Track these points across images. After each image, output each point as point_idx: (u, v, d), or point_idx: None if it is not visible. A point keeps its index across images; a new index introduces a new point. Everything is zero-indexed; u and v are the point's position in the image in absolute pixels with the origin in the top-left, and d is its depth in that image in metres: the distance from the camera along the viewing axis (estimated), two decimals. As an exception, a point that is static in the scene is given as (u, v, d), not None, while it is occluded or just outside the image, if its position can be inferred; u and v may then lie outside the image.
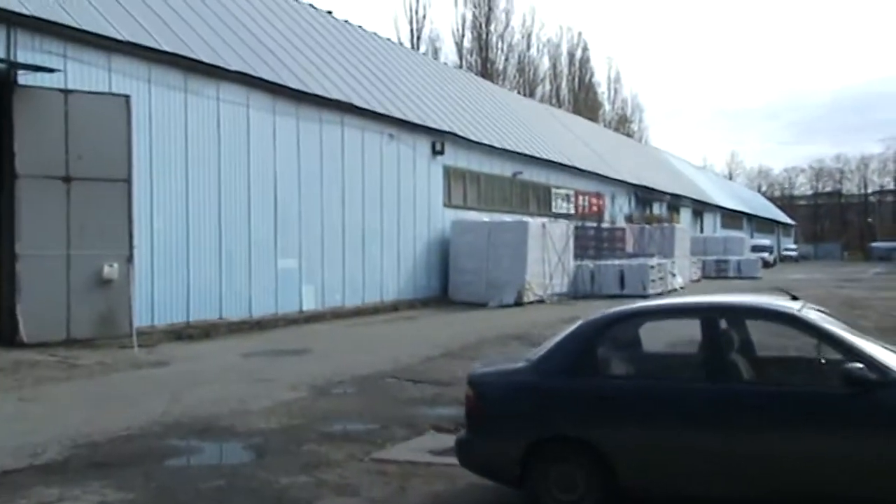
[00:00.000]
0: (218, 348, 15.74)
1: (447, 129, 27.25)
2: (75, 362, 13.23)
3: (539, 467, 5.72)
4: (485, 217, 27.57)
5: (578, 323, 6.33)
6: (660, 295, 29.42)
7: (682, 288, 33.46)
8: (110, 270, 14.98)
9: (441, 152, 26.76)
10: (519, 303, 25.26)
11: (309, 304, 20.87)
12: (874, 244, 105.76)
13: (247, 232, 18.99)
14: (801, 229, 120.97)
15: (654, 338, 6.62)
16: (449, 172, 27.63)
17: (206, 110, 17.94)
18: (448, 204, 27.49)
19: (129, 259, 15.22)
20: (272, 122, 19.79)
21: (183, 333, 16.71)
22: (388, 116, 24.08)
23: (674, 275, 32.58)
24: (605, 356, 6.12)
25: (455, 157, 27.90)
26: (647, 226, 37.98)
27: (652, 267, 29.46)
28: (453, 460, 7.78)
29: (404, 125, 25.02)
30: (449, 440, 8.67)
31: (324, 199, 21.59)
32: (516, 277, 25.56)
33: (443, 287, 26.56)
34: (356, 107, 22.66)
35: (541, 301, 26.21)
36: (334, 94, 21.99)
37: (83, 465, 7.55)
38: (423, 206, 26.12)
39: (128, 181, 15.21)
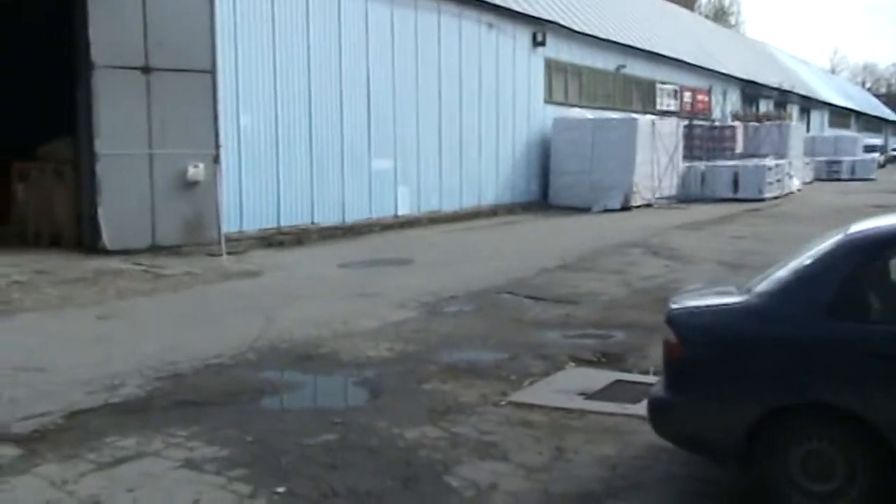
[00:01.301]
0: (311, 257, 14.49)
1: (548, 17, 24.98)
2: (160, 272, 12.11)
3: (777, 444, 4.13)
4: (588, 114, 25.47)
5: (833, 241, 4.49)
6: (776, 199, 27.18)
7: (798, 191, 30.96)
8: (195, 171, 13.74)
9: (542, 43, 24.59)
10: (626, 207, 23.39)
11: (404, 209, 19.46)
12: None
13: (339, 130, 17.52)
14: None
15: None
16: (550, 66, 25.49)
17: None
18: (549, 100, 25.46)
19: (216, 159, 13.96)
20: (364, 8, 18.02)
21: (273, 240, 15.53)
22: (486, 2, 21.98)
23: (791, 177, 30.05)
24: (883, 293, 4.33)
25: (557, 50, 25.69)
26: (758, 124, 35.11)
27: (769, 168, 27.04)
28: (611, 407, 6.34)
29: (503, 13, 22.90)
30: (595, 376, 7.24)
31: (419, 94, 19.90)
32: (623, 179, 23.60)
33: (542, 191, 24.81)
34: (454, -10, 20.69)
35: (648, 205, 24.28)
36: (431, -23, 20.02)
37: (167, 405, 6.32)
38: (523, 103, 24.18)
39: (212, 73, 13.83)
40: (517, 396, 6.64)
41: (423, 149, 20.07)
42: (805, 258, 4.41)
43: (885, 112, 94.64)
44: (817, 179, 39.40)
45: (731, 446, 4.28)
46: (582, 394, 6.74)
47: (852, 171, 43.46)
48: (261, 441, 5.51)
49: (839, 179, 42.02)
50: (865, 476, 3.99)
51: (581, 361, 7.70)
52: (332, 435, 5.64)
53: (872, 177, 42.69)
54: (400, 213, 19.33)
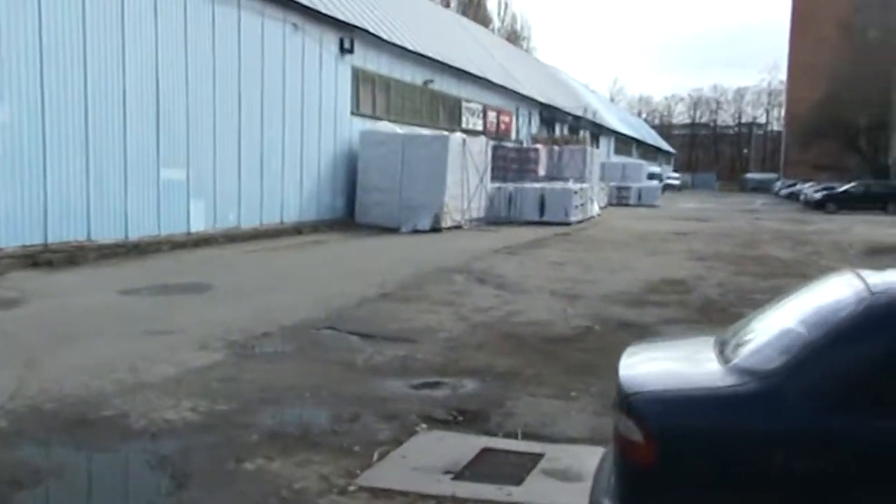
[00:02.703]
0: (88, 280, 12.21)
1: (357, 24, 23.61)
2: None
3: None
4: (398, 129, 24.30)
5: (853, 300, 3.18)
6: (580, 223, 27.24)
7: (599, 215, 31.39)
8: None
9: (350, 51, 23.18)
10: (436, 228, 22.38)
11: (198, 225, 17.32)
12: (748, 175, 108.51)
13: (121, 131, 15.22)
14: (677, 158, 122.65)
15: None
16: (358, 75, 24.11)
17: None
18: (356, 112, 24.05)
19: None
20: (155, -4, 15.85)
21: (40, 259, 13.06)
22: (292, 1, 20.27)
23: (593, 201, 30.38)
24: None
25: (365, 59, 24.36)
26: (556, 147, 35.49)
27: (575, 192, 27.04)
28: (490, 491, 4.98)
29: (310, 14, 21.27)
30: (456, 443, 5.85)
31: (217, 97, 17.87)
32: (434, 199, 22.60)
33: (349, 207, 23.33)
34: (257, -14, 18.82)
35: (458, 227, 23.44)
36: (230, -32, 18.05)
37: None
38: (329, 112, 22.63)
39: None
40: (368, 478, 5.12)
41: (220, 158, 18.04)
42: (815, 321, 3.19)
43: (659, 142, 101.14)
44: (609, 204, 40.56)
45: None
46: (448, 472, 5.31)
47: (639, 197, 45.30)
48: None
49: (628, 205, 43.61)
50: None
51: (434, 422, 6.29)
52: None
53: (658, 203, 44.69)
54: (193, 229, 17.19)
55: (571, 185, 27.99)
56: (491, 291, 12.34)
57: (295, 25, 20.75)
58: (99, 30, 14.51)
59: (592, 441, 5.59)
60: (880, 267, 3.69)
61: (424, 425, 6.20)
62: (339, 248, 18.29)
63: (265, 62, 19.51)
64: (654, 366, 3.64)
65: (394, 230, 22.04)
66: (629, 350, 3.82)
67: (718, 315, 10.58)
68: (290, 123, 20.66)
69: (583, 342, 8.91)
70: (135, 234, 15.49)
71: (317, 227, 21.34)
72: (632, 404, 3.15)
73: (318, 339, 8.85)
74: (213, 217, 17.81)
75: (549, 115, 44.79)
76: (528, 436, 6.00)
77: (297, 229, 20.44)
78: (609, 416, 4.40)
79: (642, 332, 9.35)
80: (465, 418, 6.45)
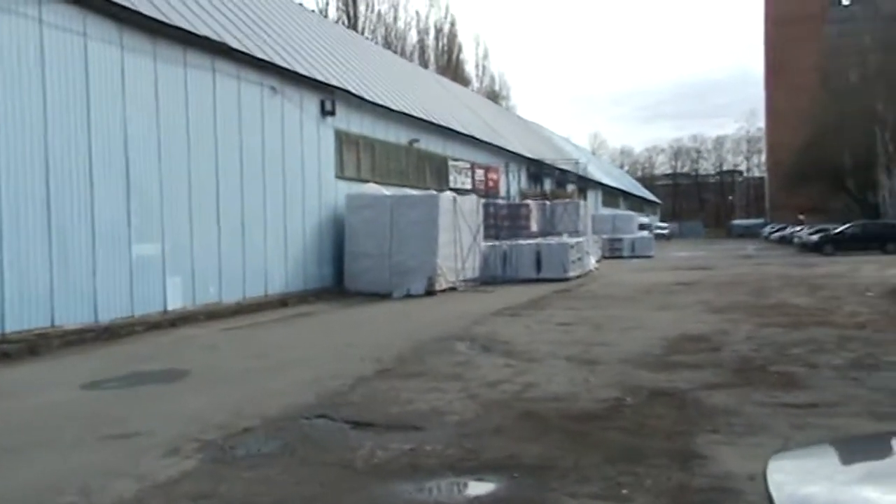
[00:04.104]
0: (48, 373, 10.91)
1: (338, 84, 22.73)
2: None
3: None
4: (385, 191, 23.26)
5: None
6: (579, 278, 26.12)
7: (596, 269, 30.29)
8: None
9: (332, 112, 22.24)
10: (430, 292, 21.22)
11: (176, 302, 16.07)
12: (735, 221, 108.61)
13: (88, 205, 14.05)
14: (662, 207, 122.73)
15: None
16: (341, 137, 23.13)
17: (24, 32, 12.85)
18: (341, 175, 23.02)
19: None
20: (119, 58, 14.81)
21: (-4, 350, 11.74)
22: (269, 64, 19.36)
23: (588, 254, 29.31)
24: None
25: (347, 121, 23.43)
26: (547, 202, 34.56)
27: (571, 246, 25.96)
28: None
29: (288, 77, 20.36)
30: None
31: (192, 166, 16.79)
32: (426, 262, 21.46)
33: (337, 275, 22.14)
34: (231, 48, 17.82)
35: (453, 289, 22.27)
36: (203, 30, 17.09)
37: None
38: (313, 177, 21.58)
39: None
40: None
41: (197, 230, 16.87)
42: None
43: (645, 193, 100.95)
44: (603, 257, 39.58)
45: None
46: None
47: (633, 248, 44.44)
48: None
49: (622, 257, 42.71)
50: None
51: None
52: None
53: (652, 254, 43.79)
54: (170, 307, 15.93)
55: (567, 239, 26.94)
56: (499, 361, 11.10)
57: (273, 88, 19.81)
58: (60, 101, 13.43)
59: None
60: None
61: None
62: (328, 319, 17.04)
63: (242, 127, 18.50)
64: (820, 488, 2.42)
65: (386, 296, 20.88)
66: (775, 459, 2.61)
67: (759, 375, 9.40)
68: (271, 190, 19.57)
69: (616, 419, 7.67)
70: (105, 317, 14.22)
71: (304, 297, 20.11)
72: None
73: (310, 431, 7.57)
74: (192, 293, 16.57)
75: (537, 169, 44.01)
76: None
77: (283, 301, 19.20)
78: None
79: (681, 403, 8.15)
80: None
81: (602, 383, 9.29)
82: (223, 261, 17.61)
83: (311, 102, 21.59)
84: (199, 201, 16.95)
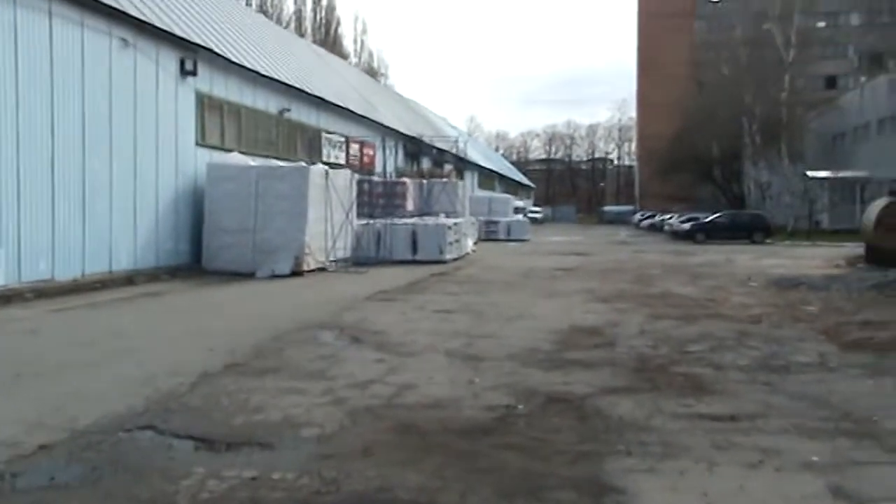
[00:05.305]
0: None
1: (200, 42, 20.63)
2: None
3: None
4: (252, 161, 21.36)
5: None
6: (456, 261, 24.98)
7: (473, 251, 29.27)
8: None
9: (193, 73, 20.17)
10: (297, 272, 19.57)
11: (-3, 278, 13.89)
12: (606, 208, 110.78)
13: None
14: (535, 191, 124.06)
15: None
16: (203, 101, 21.05)
17: None
18: (202, 142, 20.97)
19: None
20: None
21: None
22: (120, 12, 17.16)
23: (466, 237, 28.22)
24: None
25: (210, 83, 21.36)
26: (424, 181, 33.27)
27: (449, 228, 24.75)
28: None
29: (144, 29, 18.19)
30: None
31: (21, 122, 14.57)
32: (294, 239, 19.77)
33: (195, 252, 20.17)
34: (72, -10, 15.63)
35: (322, 269, 20.68)
36: (37, -33, 14.82)
37: None
38: (170, 143, 19.49)
39: None
40: None
41: (26, 195, 14.68)
42: None
43: (520, 177, 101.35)
44: (480, 239, 38.73)
45: None
46: None
47: (508, 231, 43.86)
48: None
49: (498, 240, 42.03)
50: None
51: None
52: None
53: (527, 237, 43.31)
54: (-10, 284, 13.74)
55: (445, 220, 25.72)
56: (370, 355, 9.68)
57: (124, 40, 17.62)
58: None
59: None
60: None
61: None
62: (179, 300, 15.18)
63: (86, 82, 16.30)
64: None
65: (248, 276, 19.12)
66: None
67: (663, 378, 8.34)
68: (119, 154, 17.43)
69: (509, 434, 6.39)
70: None
71: (155, 275, 18.10)
72: None
73: (127, 450, 5.96)
74: (17, 267, 14.39)
75: (414, 147, 42.67)
76: None
77: (130, 279, 17.15)
78: None
79: (582, 413, 6.97)
80: None
81: (489, 385, 8.02)
82: (58, 232, 15.45)
83: (170, 60, 19.46)
84: (30, 163, 14.74)
